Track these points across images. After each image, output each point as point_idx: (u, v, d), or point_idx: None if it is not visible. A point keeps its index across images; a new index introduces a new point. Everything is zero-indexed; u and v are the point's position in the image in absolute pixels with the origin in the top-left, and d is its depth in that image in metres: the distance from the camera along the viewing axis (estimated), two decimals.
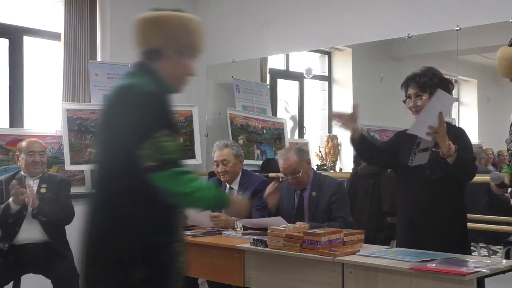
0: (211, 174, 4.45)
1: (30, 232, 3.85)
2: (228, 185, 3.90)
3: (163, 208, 1.99)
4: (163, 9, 2.21)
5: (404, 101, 2.94)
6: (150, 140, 1.91)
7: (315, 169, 5.72)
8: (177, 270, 2.06)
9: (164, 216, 2.01)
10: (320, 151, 5.89)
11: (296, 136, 6.12)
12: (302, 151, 3.65)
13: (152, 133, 1.92)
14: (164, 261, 2.00)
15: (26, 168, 3.94)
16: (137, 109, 1.96)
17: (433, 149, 2.73)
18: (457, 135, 2.77)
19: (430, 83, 2.84)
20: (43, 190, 3.94)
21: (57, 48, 5.01)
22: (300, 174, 3.49)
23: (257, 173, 4.27)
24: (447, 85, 2.88)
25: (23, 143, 4.00)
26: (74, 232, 4.17)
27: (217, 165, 3.87)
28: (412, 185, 2.88)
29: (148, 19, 2.23)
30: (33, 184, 3.95)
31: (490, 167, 5.06)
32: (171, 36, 2.16)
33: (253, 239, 3.03)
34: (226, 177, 3.86)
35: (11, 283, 3.89)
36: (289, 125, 6.01)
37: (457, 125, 3.03)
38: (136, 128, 1.93)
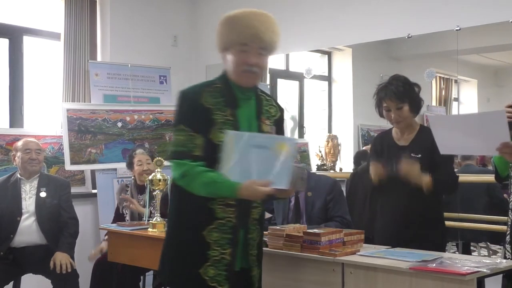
0: None
1: (28, 236, 3.84)
2: None
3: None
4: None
5: (381, 114, 3.00)
6: (172, 133, 2.32)
7: (315, 169, 5.74)
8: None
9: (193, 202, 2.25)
10: (320, 151, 5.89)
11: (296, 136, 6.12)
12: None
13: (174, 127, 2.30)
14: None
15: (23, 166, 3.92)
16: (175, 107, 2.33)
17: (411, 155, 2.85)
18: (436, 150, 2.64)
19: (405, 93, 2.91)
20: (42, 195, 3.92)
21: (57, 48, 5.01)
22: None
23: None
24: (415, 89, 2.97)
25: (19, 143, 4.00)
26: None
27: None
28: (392, 189, 2.95)
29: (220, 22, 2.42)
30: (30, 188, 3.94)
31: (490, 167, 5.06)
32: (219, 36, 2.37)
33: None
34: None
35: (11, 283, 3.90)
36: (289, 125, 6.01)
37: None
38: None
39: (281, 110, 2.47)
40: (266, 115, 2.36)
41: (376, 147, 3.13)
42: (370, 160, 3.14)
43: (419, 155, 2.87)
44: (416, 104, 2.96)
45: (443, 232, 3.07)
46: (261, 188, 2.12)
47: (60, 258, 3.74)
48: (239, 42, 2.26)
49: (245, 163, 2.13)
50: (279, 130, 2.42)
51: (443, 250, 2.97)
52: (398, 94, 2.89)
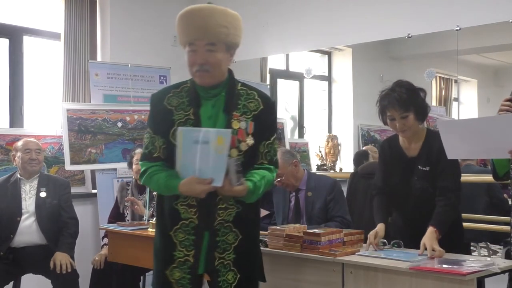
0: None
1: (28, 236, 3.84)
2: None
3: None
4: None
5: (385, 122, 2.88)
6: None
7: (315, 169, 5.74)
8: None
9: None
10: (320, 151, 5.89)
11: (296, 136, 6.12)
12: (287, 153, 3.57)
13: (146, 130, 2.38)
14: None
15: (23, 166, 3.92)
16: None
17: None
18: (442, 156, 2.55)
19: (410, 100, 2.78)
20: (42, 195, 3.92)
21: (57, 48, 5.01)
22: (284, 177, 3.46)
23: None
24: (420, 94, 2.84)
25: (19, 142, 4.00)
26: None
27: None
28: (407, 184, 2.90)
29: None
30: (30, 188, 3.93)
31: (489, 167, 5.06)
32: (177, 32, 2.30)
33: None
34: None
35: (11, 283, 3.89)
36: (289, 125, 6.01)
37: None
38: None
39: (265, 103, 2.29)
40: (242, 110, 2.25)
41: (385, 155, 3.02)
42: (378, 168, 3.07)
43: (428, 168, 2.82)
44: (421, 111, 2.81)
45: (459, 234, 2.96)
46: (198, 185, 2.11)
47: (60, 258, 3.74)
48: (187, 42, 2.22)
49: (190, 159, 2.12)
50: (260, 125, 2.25)
51: (464, 252, 2.91)
52: (402, 102, 2.76)
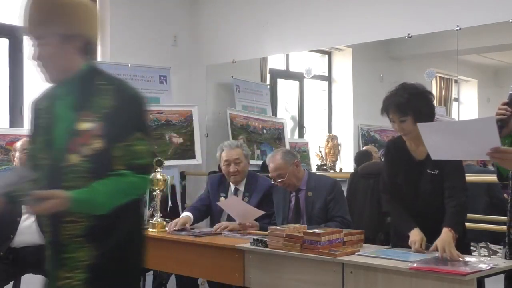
0: (211, 174, 4.45)
1: (28, 236, 3.83)
2: (234, 186, 3.86)
3: None
4: None
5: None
6: None
7: (315, 169, 5.74)
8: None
9: None
10: (320, 151, 5.89)
11: (296, 136, 6.12)
12: (288, 154, 3.59)
13: None
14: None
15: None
16: None
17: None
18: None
19: (409, 105, 2.77)
20: None
21: None
22: (286, 177, 3.47)
23: (258, 173, 4.27)
24: (426, 98, 2.84)
25: (18, 143, 3.99)
26: None
27: (229, 165, 3.78)
28: (415, 187, 2.89)
29: None
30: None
31: (490, 167, 5.06)
32: None
33: (253, 239, 3.03)
34: (237, 177, 3.81)
35: (11, 283, 3.89)
36: (289, 125, 6.01)
37: None
38: None
39: (120, 99, 1.93)
40: (93, 109, 1.92)
41: (393, 156, 2.99)
42: (385, 170, 3.03)
43: (436, 171, 2.82)
44: (422, 115, 2.75)
45: (463, 234, 2.92)
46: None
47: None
48: None
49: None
50: (112, 125, 1.89)
51: (465, 251, 2.91)
52: (400, 106, 2.77)
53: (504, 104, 2.33)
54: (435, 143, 2.31)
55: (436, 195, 2.82)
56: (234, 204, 3.63)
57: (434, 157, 2.40)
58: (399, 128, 2.81)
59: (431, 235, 2.72)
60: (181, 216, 3.74)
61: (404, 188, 2.91)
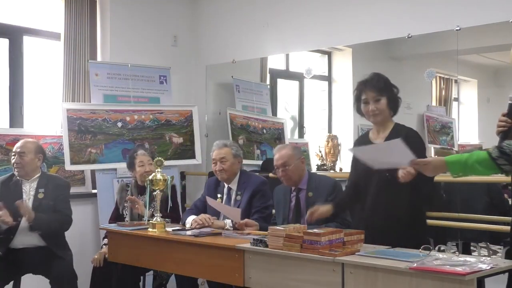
0: (211, 174, 4.45)
1: (28, 238, 3.84)
2: (226, 185, 3.91)
3: None
4: None
5: (359, 109, 3.07)
6: None
7: (315, 169, 5.74)
8: None
9: None
10: (320, 151, 5.89)
11: (296, 136, 6.12)
12: (296, 149, 3.69)
13: None
14: None
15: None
16: None
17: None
18: (410, 140, 2.75)
19: (385, 88, 3.00)
20: (40, 196, 3.90)
21: (57, 48, 5.01)
22: (291, 167, 3.50)
23: (257, 173, 4.28)
24: (395, 89, 3.04)
25: (16, 144, 3.99)
26: (73, 232, 4.19)
27: (215, 163, 3.88)
28: (370, 186, 3.03)
29: None
30: (29, 188, 3.93)
31: None
32: None
33: (253, 239, 3.03)
34: (224, 175, 3.87)
35: (11, 283, 3.90)
36: (289, 125, 6.01)
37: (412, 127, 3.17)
38: None
39: None
40: None
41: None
42: (351, 166, 3.25)
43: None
44: (394, 102, 3.03)
45: (423, 232, 3.09)
46: None
47: (24, 206, 3.72)
48: None
49: None
50: None
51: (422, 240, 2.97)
52: (378, 86, 2.98)
53: (504, 115, 2.35)
54: (371, 160, 2.82)
55: (387, 181, 2.88)
56: (215, 205, 3.74)
57: (375, 167, 2.80)
58: (372, 107, 2.98)
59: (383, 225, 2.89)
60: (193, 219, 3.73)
61: (361, 175, 3.05)
